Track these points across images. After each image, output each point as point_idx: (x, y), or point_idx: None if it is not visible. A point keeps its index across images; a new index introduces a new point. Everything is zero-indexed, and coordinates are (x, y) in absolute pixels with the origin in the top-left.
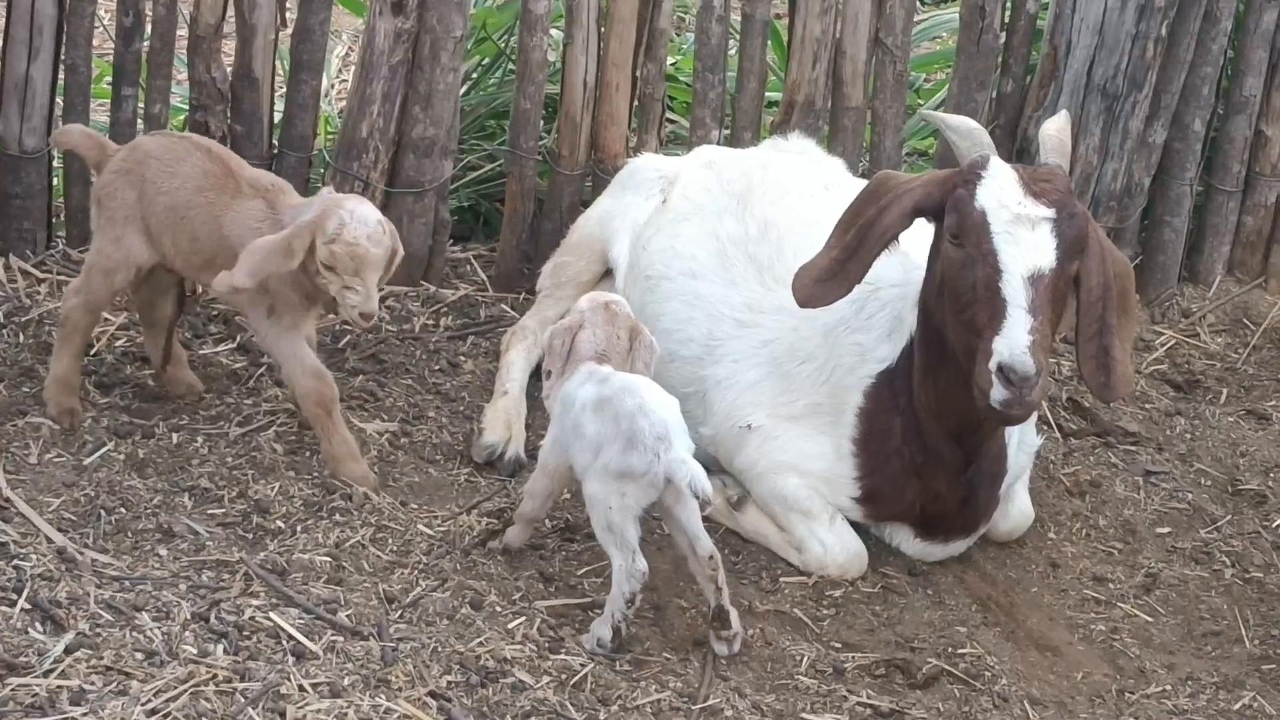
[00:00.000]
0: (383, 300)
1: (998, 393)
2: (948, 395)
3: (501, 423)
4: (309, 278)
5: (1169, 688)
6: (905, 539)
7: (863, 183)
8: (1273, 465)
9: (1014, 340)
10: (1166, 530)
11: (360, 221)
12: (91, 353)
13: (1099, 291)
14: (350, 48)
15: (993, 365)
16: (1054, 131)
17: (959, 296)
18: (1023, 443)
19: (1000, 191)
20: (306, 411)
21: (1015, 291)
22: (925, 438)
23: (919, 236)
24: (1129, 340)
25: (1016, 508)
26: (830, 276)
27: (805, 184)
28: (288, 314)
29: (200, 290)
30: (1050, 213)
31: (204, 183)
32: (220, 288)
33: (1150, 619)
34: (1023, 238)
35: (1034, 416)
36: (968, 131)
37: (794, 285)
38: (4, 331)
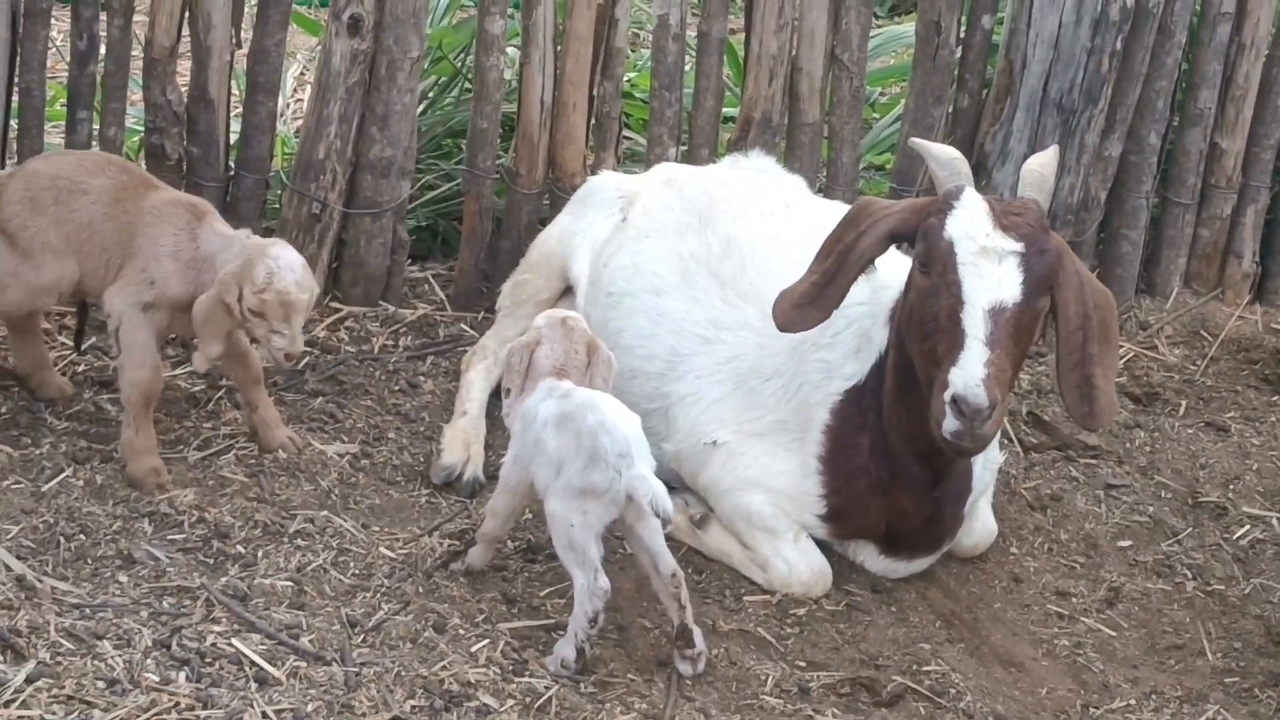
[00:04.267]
0: (341, 321)
1: (949, 423)
2: (920, 418)
3: (460, 443)
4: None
5: (1133, 702)
6: (869, 556)
7: (823, 200)
8: (1232, 477)
9: (969, 373)
10: (1128, 543)
11: (288, 269)
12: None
13: (1078, 321)
14: (305, 67)
15: (947, 396)
16: (1036, 167)
17: (923, 325)
18: (987, 459)
19: (969, 223)
20: (127, 398)
21: (975, 323)
22: (893, 456)
23: (891, 257)
24: (1112, 369)
25: (980, 523)
26: (809, 301)
27: (767, 202)
28: (161, 315)
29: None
30: (1018, 246)
31: (120, 194)
32: (202, 368)
33: (1113, 633)
34: (987, 270)
35: (997, 435)
36: (947, 161)
37: (774, 310)
38: None
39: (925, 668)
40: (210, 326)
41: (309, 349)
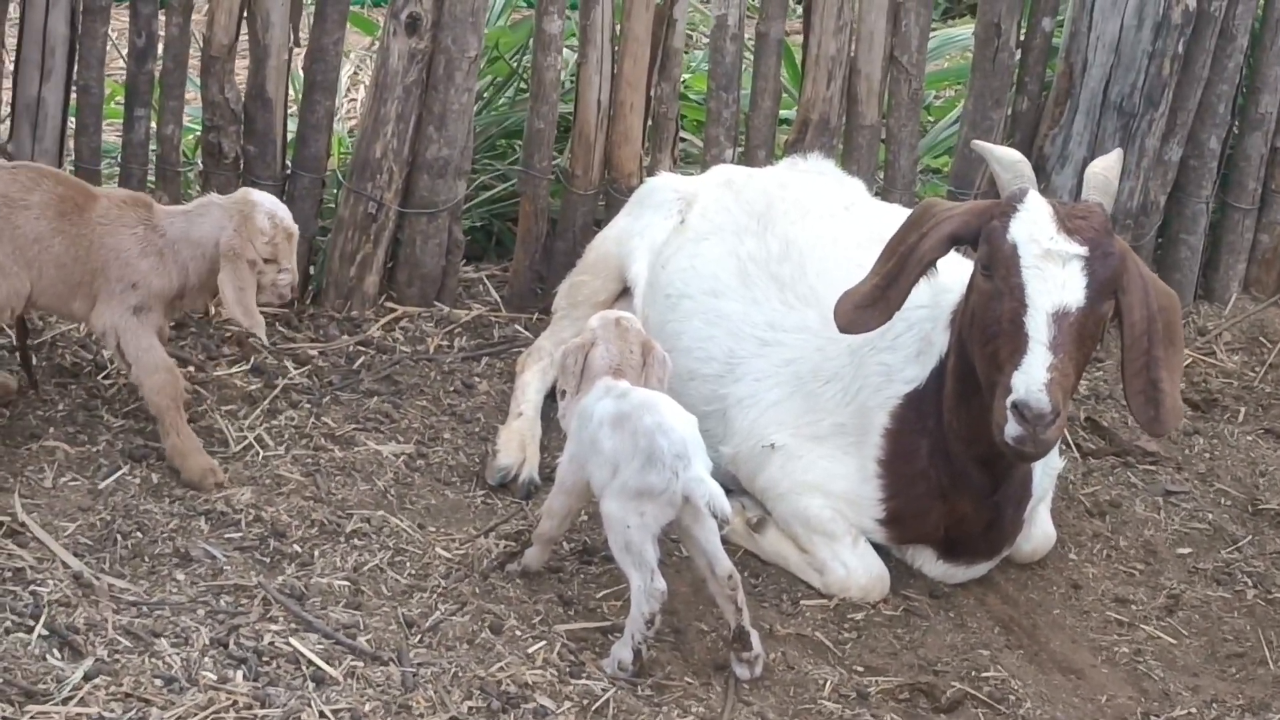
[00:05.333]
0: (396, 321)
1: (1011, 428)
2: (980, 422)
3: (516, 445)
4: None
5: (1194, 710)
6: (927, 561)
7: (882, 203)
8: None
9: (1031, 377)
10: (1187, 551)
11: (276, 206)
12: (102, 375)
13: (1143, 326)
14: (359, 67)
15: (1009, 401)
16: (1100, 170)
17: (985, 328)
18: (1047, 465)
19: (1033, 226)
20: (154, 406)
21: (1038, 327)
22: (953, 461)
23: (953, 260)
24: (1177, 372)
25: (1039, 529)
26: (871, 303)
27: (826, 204)
28: (155, 313)
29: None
30: (1082, 250)
31: (63, 207)
32: (262, 331)
33: (1174, 641)
34: (1051, 273)
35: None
36: (1011, 163)
37: (835, 311)
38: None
39: (984, 674)
40: (245, 294)
41: (364, 349)
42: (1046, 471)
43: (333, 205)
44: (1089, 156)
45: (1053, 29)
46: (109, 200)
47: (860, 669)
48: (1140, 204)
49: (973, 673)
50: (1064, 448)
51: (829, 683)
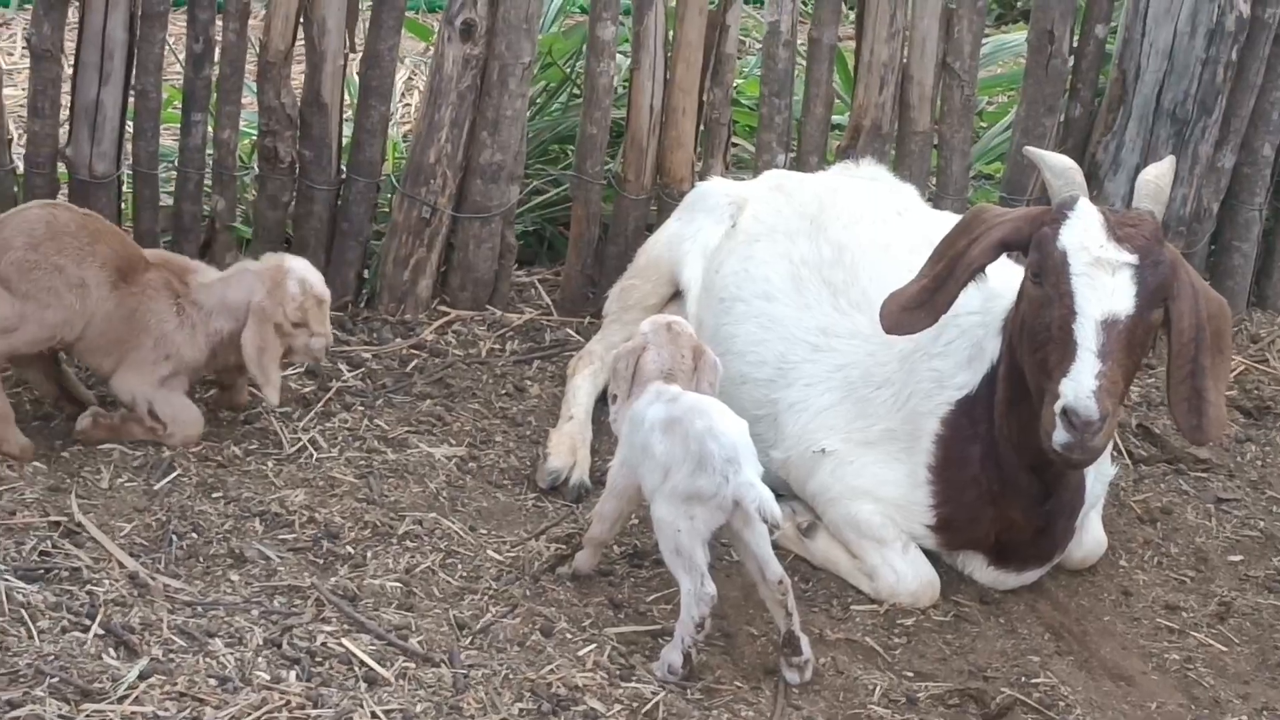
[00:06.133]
0: (448, 325)
1: (1059, 435)
2: (1030, 429)
3: (566, 448)
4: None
5: (1244, 718)
6: (978, 567)
7: (934, 210)
8: None
9: (1080, 384)
10: (1239, 558)
11: (308, 272)
12: None
13: (1191, 334)
14: (413, 72)
15: (1058, 408)
16: (1152, 177)
17: (1034, 335)
18: (1099, 472)
19: (1083, 233)
20: (169, 447)
21: (1087, 335)
22: (1004, 467)
23: (1006, 267)
24: (1223, 381)
25: (1090, 536)
26: (918, 305)
27: (879, 209)
28: (184, 377)
29: None
30: (1132, 258)
31: (122, 266)
32: (275, 399)
33: (1224, 648)
34: (1101, 281)
35: (1109, 447)
36: (1062, 170)
37: (882, 311)
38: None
39: (1034, 680)
40: (267, 355)
41: (417, 352)
42: (1099, 478)
43: (387, 210)
44: (1142, 163)
45: (1106, 35)
46: (157, 267)
47: (910, 674)
48: (1193, 211)
49: (1023, 679)
50: (1116, 454)
51: (879, 688)
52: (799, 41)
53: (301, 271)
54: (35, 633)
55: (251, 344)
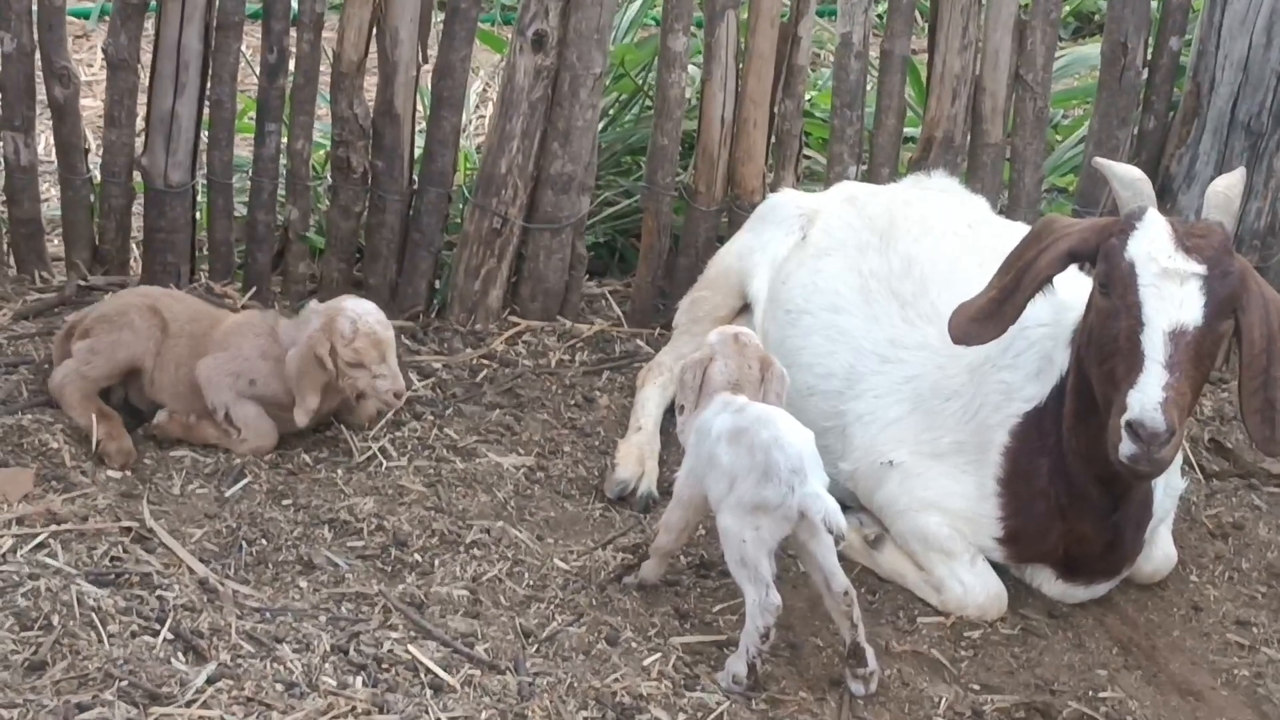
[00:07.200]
0: (518, 335)
1: (1126, 447)
2: (1099, 441)
3: (634, 459)
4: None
5: None
6: (1046, 580)
7: (1006, 222)
8: None
9: (1147, 396)
10: None
11: (366, 312)
12: None
13: (1262, 344)
14: (488, 84)
15: (1124, 420)
16: (1222, 189)
17: (1102, 346)
18: (1168, 485)
19: (1151, 244)
20: (238, 453)
21: (1155, 346)
22: (1072, 480)
23: (1076, 279)
24: None
25: (1159, 550)
26: (987, 316)
27: (949, 222)
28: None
29: None
30: (1201, 269)
31: (198, 324)
32: (303, 421)
33: None
34: (1169, 292)
35: (1178, 460)
36: (1130, 181)
37: (950, 322)
38: None
39: (1101, 694)
40: (306, 379)
41: (487, 362)
42: (1168, 492)
43: (459, 220)
44: (1216, 176)
45: (1180, 48)
46: (236, 317)
47: (976, 687)
48: (1268, 224)
49: (1090, 693)
50: (1187, 469)
51: (944, 700)
52: (871, 53)
53: (356, 312)
54: (105, 636)
55: (294, 364)
